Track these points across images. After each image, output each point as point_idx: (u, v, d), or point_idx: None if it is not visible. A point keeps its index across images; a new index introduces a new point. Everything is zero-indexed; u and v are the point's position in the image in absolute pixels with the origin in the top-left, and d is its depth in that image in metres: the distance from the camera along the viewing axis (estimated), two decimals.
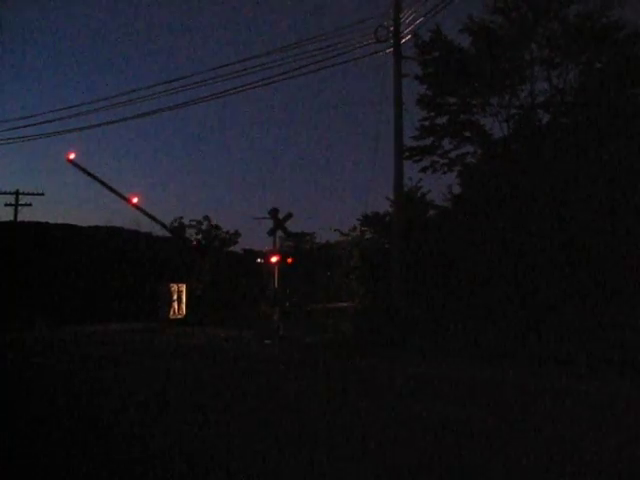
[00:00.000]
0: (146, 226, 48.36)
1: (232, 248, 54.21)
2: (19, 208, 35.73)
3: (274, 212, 24.44)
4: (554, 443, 6.24)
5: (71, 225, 40.04)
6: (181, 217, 49.86)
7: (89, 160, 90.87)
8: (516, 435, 6.61)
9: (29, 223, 37.03)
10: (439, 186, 28.61)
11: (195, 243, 33.58)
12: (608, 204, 14.52)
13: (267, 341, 18.72)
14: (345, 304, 28.78)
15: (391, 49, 17.49)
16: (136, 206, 28.85)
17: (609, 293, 13.50)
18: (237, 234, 53.09)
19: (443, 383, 10.13)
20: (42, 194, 36.35)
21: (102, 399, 9.09)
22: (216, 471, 5.45)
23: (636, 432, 6.71)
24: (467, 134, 19.43)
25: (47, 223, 39.11)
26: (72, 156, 26.30)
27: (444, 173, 19.95)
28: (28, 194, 35.74)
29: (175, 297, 44.01)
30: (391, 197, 18.27)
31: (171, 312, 42.15)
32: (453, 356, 13.36)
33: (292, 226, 25.89)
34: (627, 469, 5.46)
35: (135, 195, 28.41)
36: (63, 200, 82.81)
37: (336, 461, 5.59)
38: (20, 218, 36.00)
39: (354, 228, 24.70)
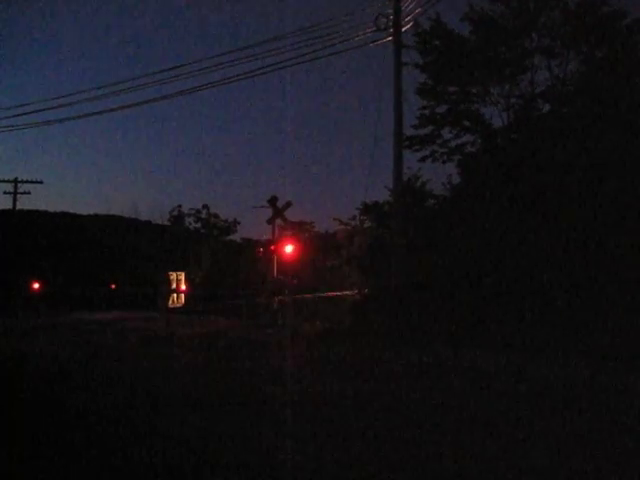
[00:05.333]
0: (145, 214, 48.23)
1: (231, 237, 54.14)
2: (18, 196, 35.63)
3: (273, 200, 24.37)
4: None
5: (70, 213, 40.04)
6: (180, 206, 49.87)
7: (90, 147, 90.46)
8: None
9: (28, 211, 36.98)
10: (438, 175, 28.64)
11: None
12: (608, 193, 14.54)
13: (269, 330, 18.81)
14: (344, 292, 28.91)
15: (391, 37, 17.38)
16: None
17: (608, 283, 13.55)
18: (236, 223, 53.02)
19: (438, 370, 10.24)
20: (41, 182, 36.20)
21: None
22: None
23: None
24: (467, 123, 19.42)
25: (46, 211, 39.12)
26: None
27: (444, 162, 19.99)
28: (27, 182, 35.60)
29: (174, 286, 44.07)
30: (391, 186, 18.27)
31: (170, 301, 42.24)
32: (452, 343, 13.45)
33: (291, 215, 25.88)
34: None
35: None
36: (62, 188, 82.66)
37: None
38: (19, 206, 35.93)
39: (354, 217, 24.74)
